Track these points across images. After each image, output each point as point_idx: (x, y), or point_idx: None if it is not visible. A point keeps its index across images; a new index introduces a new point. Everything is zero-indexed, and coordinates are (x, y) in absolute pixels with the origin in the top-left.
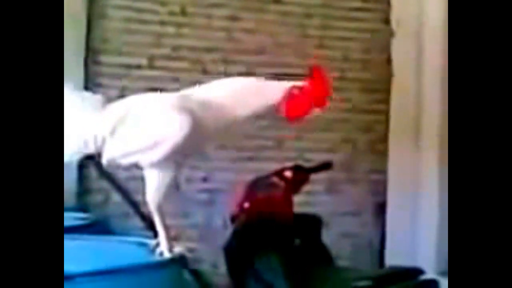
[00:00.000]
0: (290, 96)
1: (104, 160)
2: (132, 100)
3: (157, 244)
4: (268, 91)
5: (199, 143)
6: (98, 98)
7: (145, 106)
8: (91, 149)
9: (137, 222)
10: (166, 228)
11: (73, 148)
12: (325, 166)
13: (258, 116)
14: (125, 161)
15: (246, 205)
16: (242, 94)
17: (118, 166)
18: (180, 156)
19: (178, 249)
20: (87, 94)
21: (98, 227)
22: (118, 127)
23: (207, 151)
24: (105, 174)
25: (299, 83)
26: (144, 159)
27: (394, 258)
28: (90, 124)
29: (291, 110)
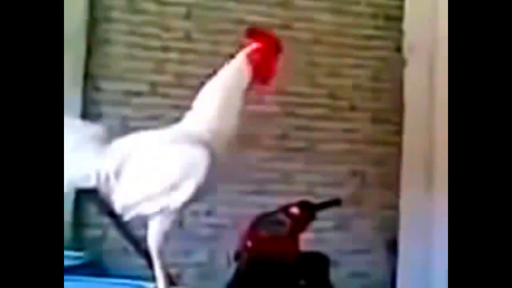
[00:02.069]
0: (252, 63)
1: (119, 209)
2: (139, 138)
3: None
4: (236, 77)
5: (216, 179)
6: (99, 128)
7: (155, 144)
8: (92, 184)
9: (136, 259)
10: (166, 273)
11: (71, 178)
12: (334, 202)
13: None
14: (146, 209)
15: (249, 243)
16: (226, 99)
17: (138, 216)
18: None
19: None
20: (88, 124)
21: (93, 267)
22: (125, 168)
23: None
24: (105, 209)
25: (248, 49)
26: (164, 206)
27: None
28: (92, 157)
29: (261, 73)
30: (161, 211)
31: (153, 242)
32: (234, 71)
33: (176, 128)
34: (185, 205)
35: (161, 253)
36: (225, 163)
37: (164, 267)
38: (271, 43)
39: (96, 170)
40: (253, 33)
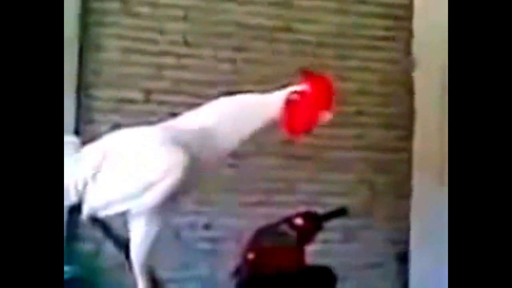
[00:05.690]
0: (290, 104)
1: (85, 211)
2: (113, 139)
3: None
4: (265, 105)
5: (195, 181)
6: (73, 140)
7: (130, 144)
8: (72, 198)
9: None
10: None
11: None
12: (340, 212)
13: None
14: (112, 211)
15: (251, 256)
16: (237, 115)
17: (105, 217)
18: (172, 199)
19: None
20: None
21: (82, 283)
22: (100, 171)
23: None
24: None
25: (297, 87)
26: (135, 206)
27: None
28: (68, 170)
29: (294, 120)
30: (131, 211)
31: (135, 255)
32: (265, 100)
33: (159, 128)
34: (158, 208)
35: (145, 269)
36: (206, 167)
37: (154, 283)
38: (320, 91)
39: (73, 181)
40: (306, 74)
